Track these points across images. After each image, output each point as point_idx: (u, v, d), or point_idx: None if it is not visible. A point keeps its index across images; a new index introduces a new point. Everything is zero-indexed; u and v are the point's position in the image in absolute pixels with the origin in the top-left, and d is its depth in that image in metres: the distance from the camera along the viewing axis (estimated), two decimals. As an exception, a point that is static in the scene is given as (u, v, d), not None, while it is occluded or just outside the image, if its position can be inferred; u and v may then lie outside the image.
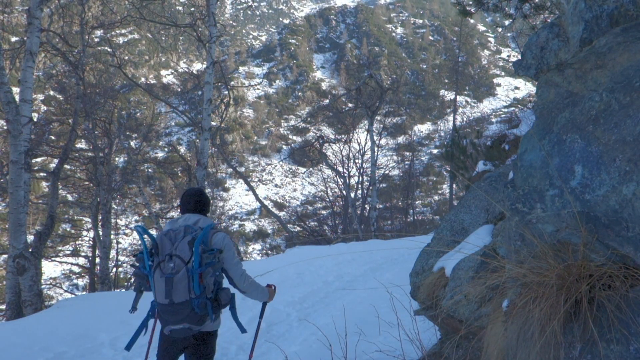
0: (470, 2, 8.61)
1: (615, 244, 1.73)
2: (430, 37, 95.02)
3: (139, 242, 2.89)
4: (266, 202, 38.24)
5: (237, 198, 53.79)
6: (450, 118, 52.16)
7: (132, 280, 3.00)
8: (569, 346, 1.73)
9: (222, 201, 44.14)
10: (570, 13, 2.41)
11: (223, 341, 5.27)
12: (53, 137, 18.51)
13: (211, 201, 3.16)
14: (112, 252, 16.56)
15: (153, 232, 4.94)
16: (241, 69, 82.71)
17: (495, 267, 2.40)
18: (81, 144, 19.29)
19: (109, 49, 17.38)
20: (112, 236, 15.93)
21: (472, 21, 62.45)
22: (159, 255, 2.70)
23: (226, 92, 15.73)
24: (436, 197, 50.00)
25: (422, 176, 50.60)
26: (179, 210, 3.12)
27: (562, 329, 1.76)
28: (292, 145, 62.08)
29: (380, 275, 7.98)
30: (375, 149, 21.13)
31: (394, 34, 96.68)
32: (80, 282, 23.21)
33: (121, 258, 19.32)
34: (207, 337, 2.87)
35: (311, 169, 30.57)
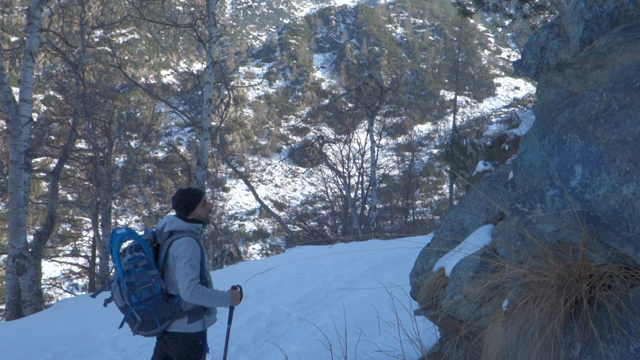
0: (470, 2, 8.61)
1: (616, 244, 1.73)
2: (430, 37, 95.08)
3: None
4: (266, 202, 38.23)
5: (237, 198, 53.85)
6: (450, 118, 52.20)
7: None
8: (569, 346, 1.73)
9: (222, 201, 44.16)
10: (570, 13, 2.41)
11: (223, 341, 5.27)
12: (53, 137, 18.49)
13: (193, 198, 2.97)
14: (112, 252, 16.51)
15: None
16: (241, 69, 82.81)
17: (495, 267, 2.40)
18: (81, 144, 19.27)
19: (109, 49, 17.37)
20: (112, 236, 15.88)
21: (472, 21, 62.48)
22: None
23: (226, 92, 15.72)
24: (436, 197, 50.04)
25: (422, 176, 50.64)
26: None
27: (563, 329, 1.76)
28: (292, 145, 62.14)
29: (380, 275, 7.98)
30: (375, 149, 21.12)
31: (394, 34, 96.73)
32: (80, 282, 23.19)
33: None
34: (181, 339, 2.79)
35: (311, 169, 30.55)
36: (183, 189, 3.03)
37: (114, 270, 2.83)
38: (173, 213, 3.01)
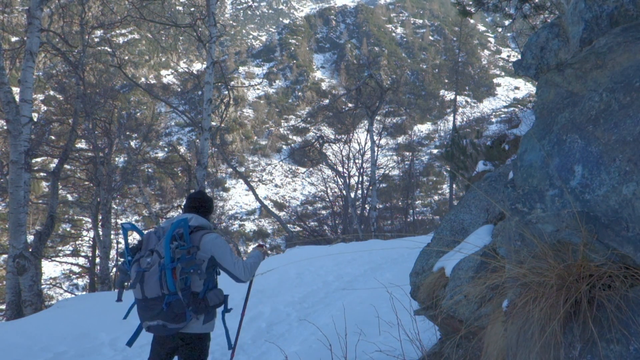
0: (470, 2, 8.61)
1: (615, 244, 1.73)
2: (430, 37, 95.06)
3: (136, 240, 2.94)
4: (266, 202, 38.22)
5: (237, 198, 53.84)
6: (450, 118, 52.22)
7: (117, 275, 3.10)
8: (569, 346, 1.73)
9: (222, 201, 44.19)
10: (570, 13, 2.42)
11: (223, 341, 5.26)
12: (53, 137, 18.50)
13: (213, 204, 3.20)
14: (112, 252, 16.56)
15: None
16: (241, 69, 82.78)
17: (495, 267, 2.40)
18: (81, 144, 19.29)
19: (109, 49, 17.40)
20: (112, 236, 15.93)
21: (472, 21, 62.46)
22: (142, 250, 2.75)
23: (226, 92, 15.73)
24: (436, 197, 50.03)
25: (422, 176, 50.61)
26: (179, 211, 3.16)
27: (562, 329, 1.76)
28: (292, 145, 62.13)
29: (380, 275, 7.98)
30: (375, 149, 21.13)
31: (394, 34, 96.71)
32: (80, 282, 23.20)
33: (121, 258, 19.26)
34: (195, 340, 2.79)
35: (311, 169, 30.55)
36: (203, 193, 3.16)
37: (142, 259, 2.77)
38: (186, 214, 2.99)
